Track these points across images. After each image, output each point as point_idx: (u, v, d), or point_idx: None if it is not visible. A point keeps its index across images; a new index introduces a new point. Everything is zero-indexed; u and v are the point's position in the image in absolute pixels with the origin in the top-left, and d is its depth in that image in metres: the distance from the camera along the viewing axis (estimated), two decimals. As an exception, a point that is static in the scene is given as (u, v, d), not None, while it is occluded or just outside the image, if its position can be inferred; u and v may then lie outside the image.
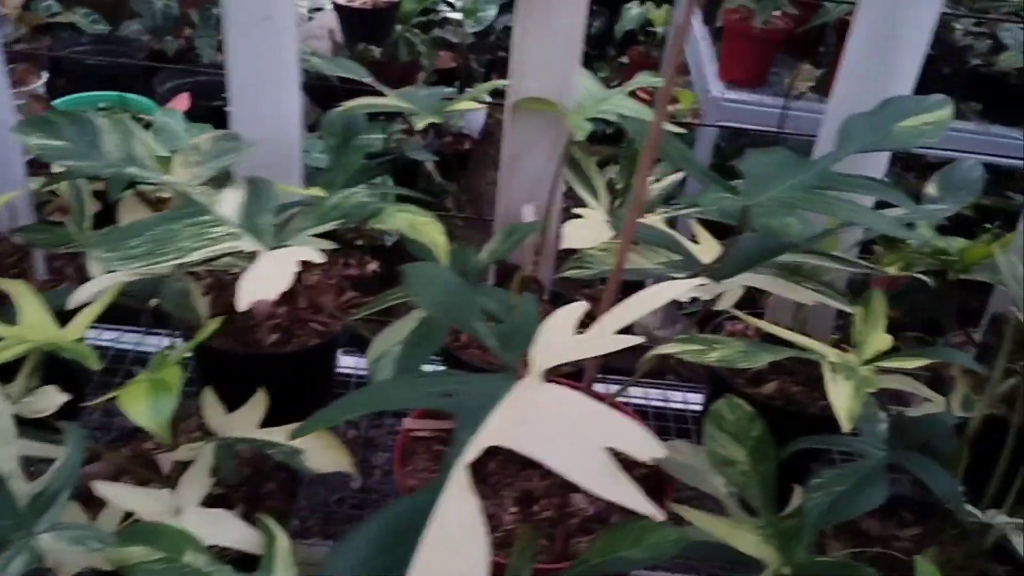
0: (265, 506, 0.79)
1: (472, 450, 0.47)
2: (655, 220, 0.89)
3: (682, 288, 0.53)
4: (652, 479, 0.79)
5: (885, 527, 0.85)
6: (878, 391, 1.00)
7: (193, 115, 1.13)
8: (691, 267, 0.77)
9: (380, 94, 0.96)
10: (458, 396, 0.51)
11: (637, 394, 1.25)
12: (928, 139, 0.76)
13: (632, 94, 0.99)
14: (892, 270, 0.96)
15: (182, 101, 1.52)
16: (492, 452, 0.80)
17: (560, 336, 0.54)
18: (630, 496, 0.44)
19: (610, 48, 3.68)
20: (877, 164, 0.95)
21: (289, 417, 0.76)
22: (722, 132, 2.34)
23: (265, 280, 0.68)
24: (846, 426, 0.57)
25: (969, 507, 0.72)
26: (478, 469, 0.78)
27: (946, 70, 2.12)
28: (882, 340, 0.66)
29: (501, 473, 0.77)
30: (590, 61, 3.86)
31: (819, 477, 0.64)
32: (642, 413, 1.20)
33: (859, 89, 0.88)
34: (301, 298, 1.01)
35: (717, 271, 0.76)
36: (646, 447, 0.47)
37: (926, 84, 2.35)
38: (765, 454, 0.66)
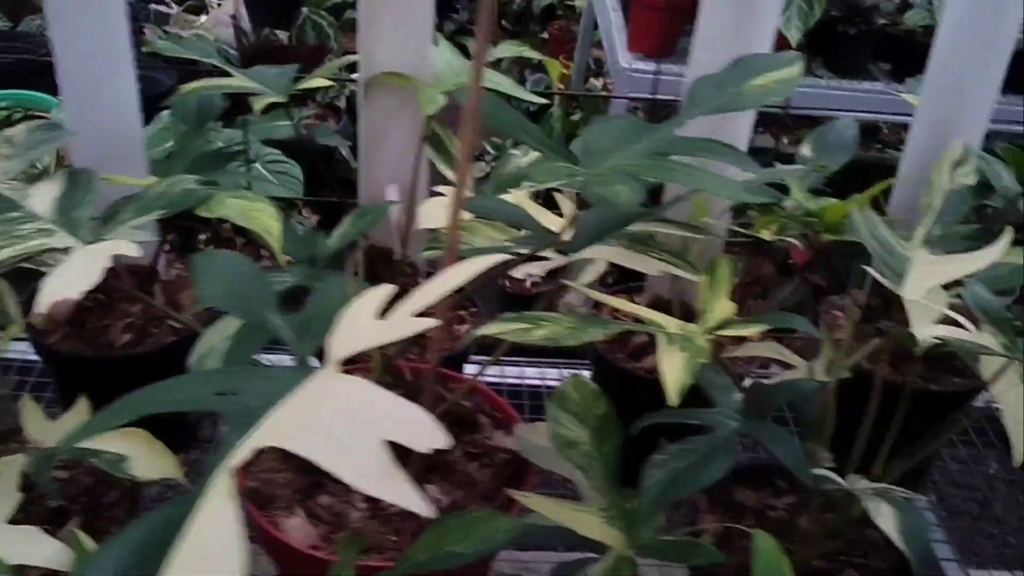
0: (106, 516, 0.75)
1: (240, 454, 0.43)
2: (520, 195, 0.85)
3: (483, 264, 0.50)
4: (514, 464, 0.76)
5: (760, 497, 0.83)
6: (758, 359, 0.99)
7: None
8: (541, 242, 0.74)
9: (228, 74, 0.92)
10: (242, 394, 0.47)
11: (531, 374, 1.22)
12: (777, 97, 0.73)
13: (496, 65, 0.95)
14: (767, 234, 0.94)
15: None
16: (342, 446, 0.77)
17: (360, 322, 0.51)
18: (404, 494, 0.41)
19: (532, 24, 3.65)
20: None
21: (142, 423, 0.71)
22: (642, 104, 2.32)
23: (71, 278, 0.63)
24: (673, 398, 0.54)
25: (829, 474, 0.70)
26: (327, 465, 0.74)
27: (852, 31, 2.11)
28: (726, 308, 0.63)
29: (352, 468, 0.74)
30: (514, 37, 3.82)
31: (662, 453, 0.61)
32: (516, 393, 1.17)
33: (716, 52, 0.85)
34: (158, 295, 0.96)
35: (568, 244, 0.73)
36: (427, 438, 0.43)
37: (834, 46, 2.35)
38: (609, 434, 0.63)
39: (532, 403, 1.14)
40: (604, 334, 0.58)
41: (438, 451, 0.78)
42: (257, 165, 2.15)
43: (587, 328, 0.58)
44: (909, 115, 0.98)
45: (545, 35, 3.57)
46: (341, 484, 0.73)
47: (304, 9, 2.80)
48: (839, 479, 0.71)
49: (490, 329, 0.58)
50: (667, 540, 0.60)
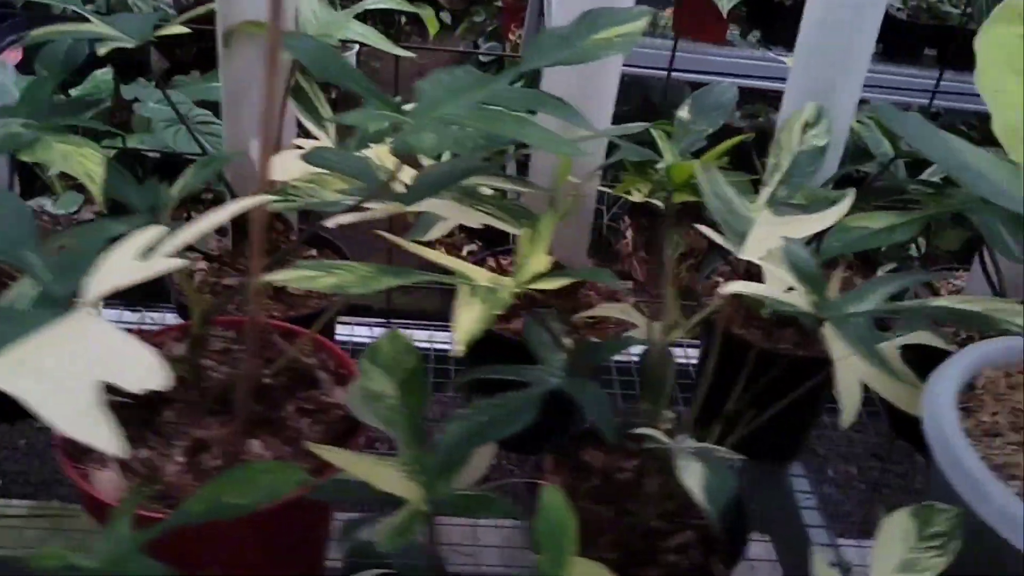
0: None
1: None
2: (382, 150, 0.84)
3: (246, 205, 0.48)
4: (348, 421, 0.74)
5: (609, 458, 0.83)
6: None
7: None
8: (377, 194, 0.72)
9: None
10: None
11: (420, 337, 1.21)
12: (618, 51, 0.72)
13: (363, 17, 0.93)
14: (637, 196, 0.93)
15: (13, 54, 1.43)
16: (167, 399, 0.75)
17: (118, 263, 0.49)
18: (99, 436, 0.39)
19: (486, -8, 3.61)
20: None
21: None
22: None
23: None
24: (460, 348, 0.53)
25: (655, 433, 0.70)
26: (151, 419, 0.72)
27: (788, 1, 2.10)
28: (542, 261, 0.62)
29: (177, 422, 0.72)
30: (473, 4, 3.78)
31: (472, 408, 0.60)
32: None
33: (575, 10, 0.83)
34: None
35: (403, 196, 0.71)
36: (145, 378, 0.42)
37: (771, 18, 2.33)
38: (415, 387, 0.62)
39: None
40: (399, 283, 0.57)
41: (270, 406, 0.77)
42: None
43: (381, 277, 0.56)
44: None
45: (500, 3, 3.54)
46: (163, 437, 0.72)
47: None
48: (665, 439, 0.70)
49: (277, 276, 0.56)
50: (463, 495, 0.59)
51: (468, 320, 0.55)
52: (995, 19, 0.75)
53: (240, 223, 0.98)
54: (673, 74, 1.32)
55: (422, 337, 1.20)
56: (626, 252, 2.35)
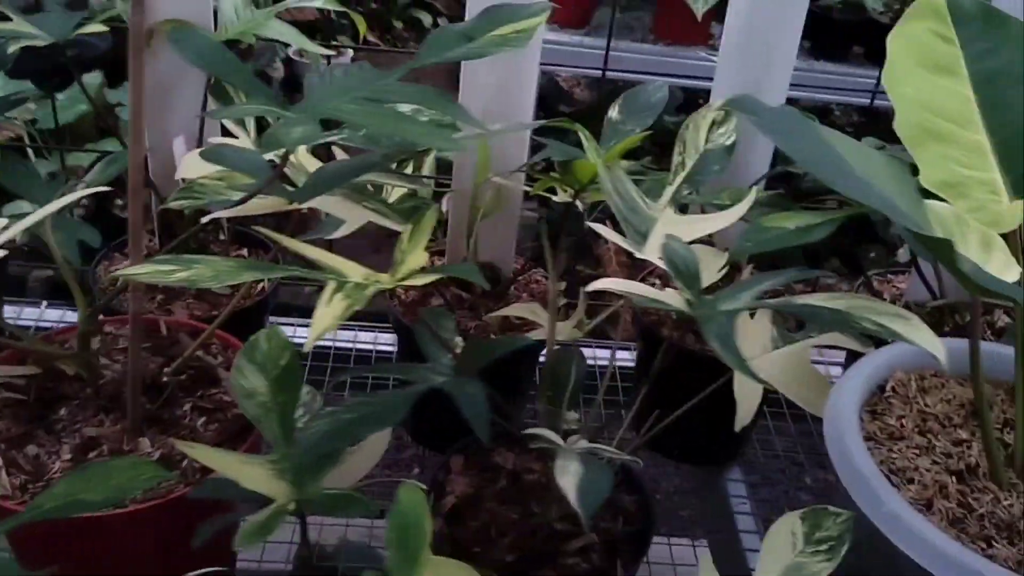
0: None
1: None
2: (302, 151, 0.83)
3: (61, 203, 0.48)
4: (243, 420, 0.74)
5: (520, 459, 0.82)
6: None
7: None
8: (271, 191, 0.72)
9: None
10: None
11: (364, 339, 1.20)
12: (514, 47, 0.71)
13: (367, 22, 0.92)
14: (561, 196, 0.92)
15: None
16: (65, 396, 0.75)
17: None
18: None
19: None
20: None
21: None
22: (547, 78, 2.30)
23: None
24: (309, 345, 0.52)
25: (546, 433, 0.69)
26: (45, 416, 0.72)
27: None
28: (419, 258, 0.61)
29: (70, 420, 0.72)
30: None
31: (341, 405, 0.60)
32: (344, 357, 1.15)
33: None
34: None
35: (295, 193, 0.71)
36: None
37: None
38: (288, 384, 0.61)
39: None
40: (259, 277, 0.56)
41: (165, 404, 0.77)
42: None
43: (240, 272, 0.56)
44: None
45: None
46: (52, 434, 0.72)
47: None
48: (557, 440, 0.69)
49: (127, 271, 0.56)
50: (328, 493, 0.58)
51: (325, 317, 0.54)
52: (908, 16, 0.73)
53: (166, 222, 0.98)
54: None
55: (366, 338, 1.19)
56: (607, 256, 2.33)
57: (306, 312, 1.26)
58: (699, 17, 1.98)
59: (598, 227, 0.68)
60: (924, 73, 0.71)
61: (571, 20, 2.13)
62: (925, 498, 0.66)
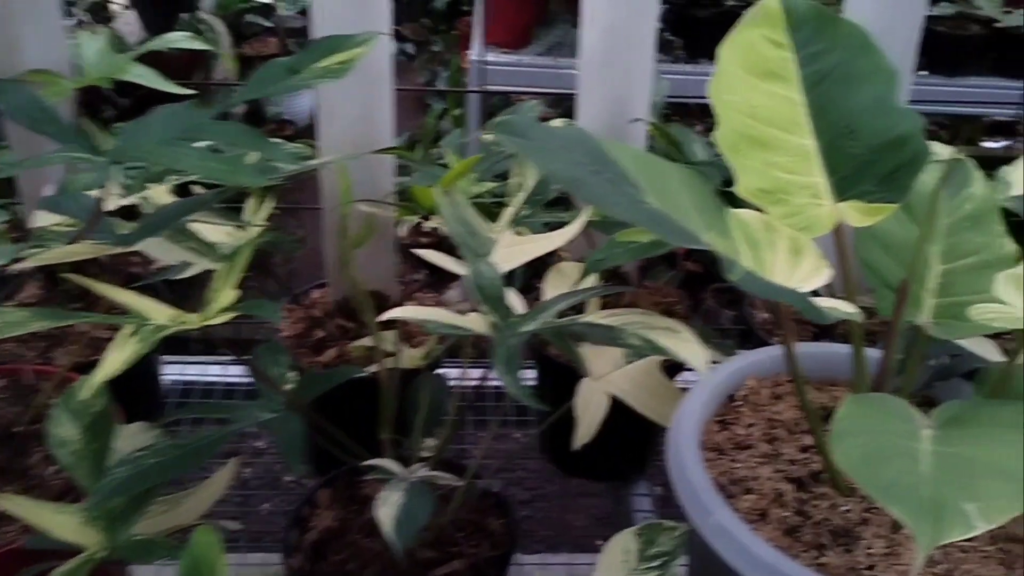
0: None
1: None
2: (159, 190, 0.84)
3: None
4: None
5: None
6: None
7: None
8: (104, 234, 0.72)
9: None
10: None
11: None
12: (334, 78, 0.71)
13: (145, 58, 0.93)
14: (436, 223, 0.92)
15: None
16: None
17: None
18: None
19: (439, 20, 3.64)
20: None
21: None
22: (499, 98, 2.30)
23: None
24: (91, 387, 0.52)
25: (383, 462, 0.68)
26: None
27: (703, 14, 2.08)
28: (229, 296, 0.62)
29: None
30: (434, 34, 3.81)
31: (141, 449, 0.60)
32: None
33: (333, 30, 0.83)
34: None
35: (126, 237, 0.71)
36: None
37: (690, 29, 2.30)
38: (101, 431, 0.61)
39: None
40: (50, 325, 0.56)
41: (16, 453, 0.77)
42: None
43: (29, 322, 0.56)
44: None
45: (456, 31, 3.56)
46: None
47: (185, 15, 2.79)
48: (395, 468, 0.69)
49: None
50: (138, 539, 0.58)
51: (113, 360, 0.54)
52: (743, 24, 0.73)
53: (51, 272, 0.98)
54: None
55: (237, 372, 1.19)
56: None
57: (209, 346, 1.26)
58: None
59: (421, 252, 0.68)
60: (753, 80, 0.71)
61: (511, 42, 2.14)
62: (761, 508, 0.65)
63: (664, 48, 2.23)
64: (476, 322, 0.60)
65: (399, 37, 3.91)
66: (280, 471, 1.03)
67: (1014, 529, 0.64)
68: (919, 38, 2.11)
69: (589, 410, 0.70)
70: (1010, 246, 0.71)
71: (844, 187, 0.67)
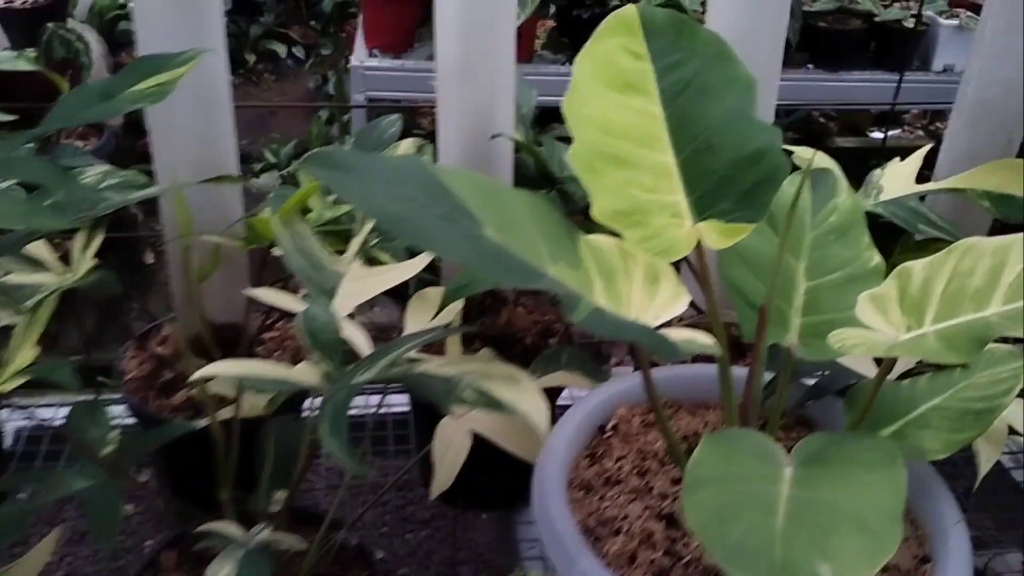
0: None
1: None
2: None
3: None
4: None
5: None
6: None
7: None
8: None
9: None
10: None
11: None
12: (150, 102, 0.65)
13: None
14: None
15: None
16: None
17: None
18: None
19: (330, 23, 3.55)
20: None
21: None
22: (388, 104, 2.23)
23: None
24: None
25: (217, 526, 0.62)
26: None
27: (586, 15, 2.06)
28: (28, 354, 0.55)
29: None
30: (324, 35, 3.71)
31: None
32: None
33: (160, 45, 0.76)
34: None
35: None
36: None
37: (581, 31, 2.26)
38: None
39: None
40: None
41: None
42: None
43: None
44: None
45: (345, 34, 3.48)
46: None
47: (50, 24, 2.64)
48: (232, 531, 0.63)
49: None
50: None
51: None
52: (600, 33, 0.69)
53: None
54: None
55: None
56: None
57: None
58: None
59: (255, 292, 0.62)
60: (610, 93, 0.67)
61: (394, 45, 2.08)
62: (630, 551, 0.61)
63: (560, 48, 2.20)
64: (306, 373, 0.54)
65: (287, 40, 3.80)
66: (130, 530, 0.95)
67: (899, 562, 0.62)
68: (800, 36, 2.13)
69: (449, 454, 0.65)
70: (876, 259, 0.69)
71: (703, 206, 0.64)
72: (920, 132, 3.12)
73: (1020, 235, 0.56)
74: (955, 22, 2.21)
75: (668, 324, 0.58)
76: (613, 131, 0.66)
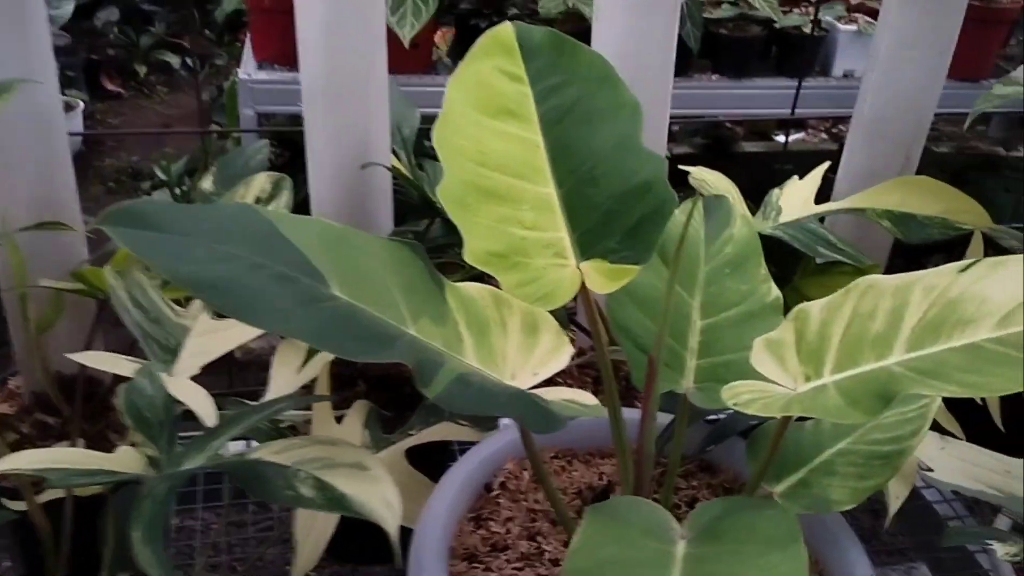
0: None
1: None
2: None
3: None
4: None
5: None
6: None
7: None
8: None
9: None
10: None
11: None
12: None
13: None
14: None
15: None
16: None
17: None
18: None
19: (225, 35, 3.42)
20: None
21: None
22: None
23: None
24: None
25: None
26: None
27: (484, 24, 2.01)
28: None
29: None
30: (219, 44, 3.57)
31: None
32: None
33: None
34: None
35: None
36: None
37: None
38: None
39: None
40: None
41: None
42: None
43: None
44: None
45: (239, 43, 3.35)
46: None
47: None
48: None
49: None
50: None
51: None
52: (474, 54, 0.62)
53: None
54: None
55: None
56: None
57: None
58: (406, 42, 1.86)
59: (79, 356, 0.54)
60: (486, 119, 0.61)
61: (285, 58, 1.99)
62: (517, 629, 0.56)
63: (461, 57, 2.14)
64: (127, 461, 0.46)
65: (180, 50, 3.66)
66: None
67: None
68: (702, 43, 2.10)
69: (312, 533, 0.58)
70: (774, 293, 0.64)
71: (586, 244, 0.58)
72: (824, 135, 3.16)
73: (921, 272, 0.51)
74: (854, 28, 2.23)
75: (552, 379, 0.53)
76: (488, 162, 0.59)
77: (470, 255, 0.56)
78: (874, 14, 2.18)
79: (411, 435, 0.65)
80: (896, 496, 0.72)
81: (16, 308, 0.76)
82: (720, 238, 0.67)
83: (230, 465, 0.44)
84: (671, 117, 0.90)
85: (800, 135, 3.18)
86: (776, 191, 0.88)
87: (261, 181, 0.68)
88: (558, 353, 0.53)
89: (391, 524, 0.40)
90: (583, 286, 0.57)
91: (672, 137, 2.81)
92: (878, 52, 0.87)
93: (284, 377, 0.66)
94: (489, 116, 0.61)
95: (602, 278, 0.56)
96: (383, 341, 0.43)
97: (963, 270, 0.50)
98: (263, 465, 0.42)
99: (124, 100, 3.43)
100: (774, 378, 0.52)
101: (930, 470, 0.70)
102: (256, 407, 0.50)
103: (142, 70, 3.50)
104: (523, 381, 0.51)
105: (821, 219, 0.87)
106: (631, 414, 0.65)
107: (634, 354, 0.61)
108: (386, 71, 0.80)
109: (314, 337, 0.39)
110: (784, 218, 0.85)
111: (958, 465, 0.70)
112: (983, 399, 0.84)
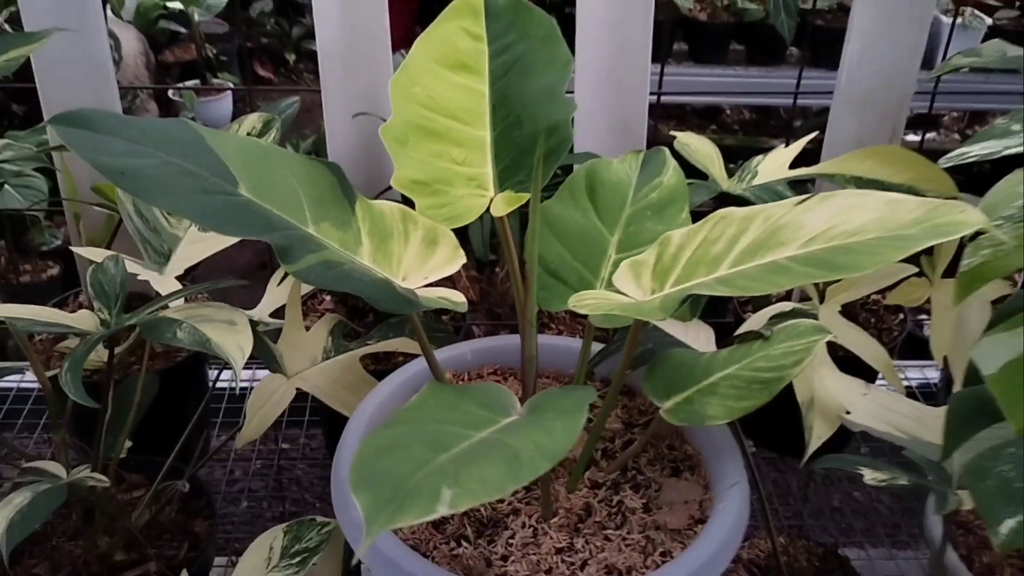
0: None
1: None
2: None
3: None
4: None
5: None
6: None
7: None
8: None
9: None
10: None
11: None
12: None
13: None
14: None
15: None
16: None
17: None
18: None
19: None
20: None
21: None
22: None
23: None
24: None
25: (50, 465, 0.67)
26: None
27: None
28: None
29: None
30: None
31: None
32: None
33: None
34: None
35: None
36: None
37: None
38: None
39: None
40: None
41: None
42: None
43: None
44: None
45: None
46: None
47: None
48: (54, 470, 0.68)
49: None
50: None
51: None
52: (445, 16, 0.72)
53: None
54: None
55: None
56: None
57: None
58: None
59: (78, 249, 0.67)
60: (442, 71, 0.70)
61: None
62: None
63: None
64: (84, 320, 0.59)
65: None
66: None
67: (665, 517, 0.64)
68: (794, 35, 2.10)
69: (265, 407, 0.69)
70: (686, 233, 0.70)
71: (504, 177, 0.67)
72: (956, 136, 3.06)
73: (768, 204, 0.57)
74: (959, 20, 2.17)
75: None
76: (435, 107, 0.69)
77: (395, 181, 0.65)
78: (982, 7, 2.12)
79: (368, 344, 0.75)
80: (818, 436, 0.77)
81: (74, 226, 0.91)
82: (649, 185, 0.74)
83: (143, 321, 0.55)
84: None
85: (931, 135, 3.08)
86: (759, 157, 0.93)
87: (252, 120, 0.80)
88: (451, 263, 0.62)
89: (238, 362, 0.50)
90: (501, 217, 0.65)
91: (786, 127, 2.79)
92: (860, 24, 0.90)
93: (272, 294, 0.78)
94: (446, 68, 0.70)
95: (504, 203, 0.64)
96: (265, 226, 0.53)
97: (800, 203, 0.56)
98: (162, 320, 0.53)
99: (276, 84, 3.70)
100: (629, 292, 0.59)
101: (848, 412, 0.75)
102: (175, 292, 0.61)
103: (292, 58, 3.76)
104: (413, 282, 0.60)
105: (802, 183, 0.91)
106: (547, 339, 0.74)
107: (543, 278, 0.69)
108: (389, 38, 0.90)
109: (199, 216, 0.50)
110: (757, 181, 0.90)
111: (875, 410, 0.74)
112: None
